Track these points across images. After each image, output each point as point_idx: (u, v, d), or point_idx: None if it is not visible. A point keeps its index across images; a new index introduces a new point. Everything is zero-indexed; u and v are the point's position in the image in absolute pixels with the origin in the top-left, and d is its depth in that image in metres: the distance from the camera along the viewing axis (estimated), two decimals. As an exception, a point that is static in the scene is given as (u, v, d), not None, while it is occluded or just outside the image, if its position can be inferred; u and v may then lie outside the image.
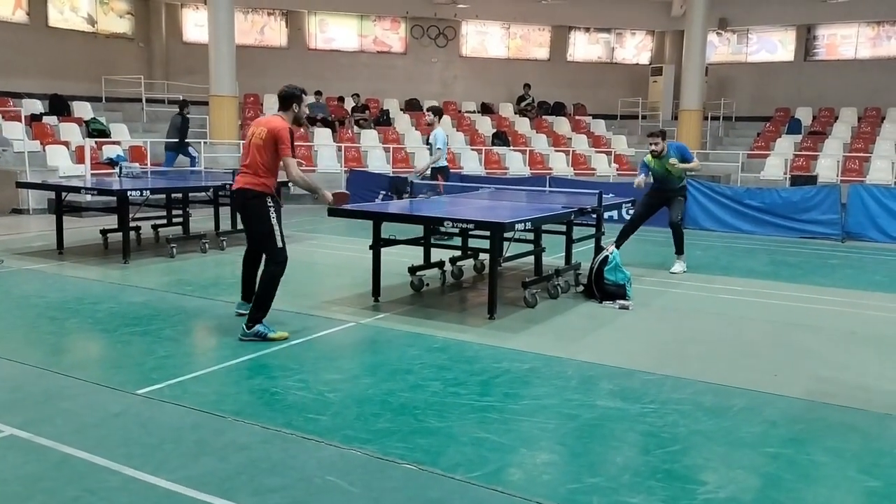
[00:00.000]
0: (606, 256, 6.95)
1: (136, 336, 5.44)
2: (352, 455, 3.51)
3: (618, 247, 8.98)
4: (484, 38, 23.32)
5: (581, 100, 22.98)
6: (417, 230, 7.25)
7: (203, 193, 9.98)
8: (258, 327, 5.29)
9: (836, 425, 4.07)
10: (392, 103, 21.21)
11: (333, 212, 6.27)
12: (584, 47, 23.93)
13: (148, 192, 8.72)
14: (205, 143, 16.35)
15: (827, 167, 17.61)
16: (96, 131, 15.72)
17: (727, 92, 22.54)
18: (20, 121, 14.30)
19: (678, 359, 5.23)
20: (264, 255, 5.45)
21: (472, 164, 17.82)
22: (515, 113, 21.95)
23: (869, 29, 21.44)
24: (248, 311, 5.48)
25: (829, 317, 6.63)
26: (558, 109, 22.52)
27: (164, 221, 9.72)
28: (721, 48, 23.41)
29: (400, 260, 7.42)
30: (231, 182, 7.17)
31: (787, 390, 4.57)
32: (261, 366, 4.85)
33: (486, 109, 22.04)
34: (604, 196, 7.53)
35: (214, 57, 16.68)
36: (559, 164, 18.74)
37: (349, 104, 20.05)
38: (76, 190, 9.16)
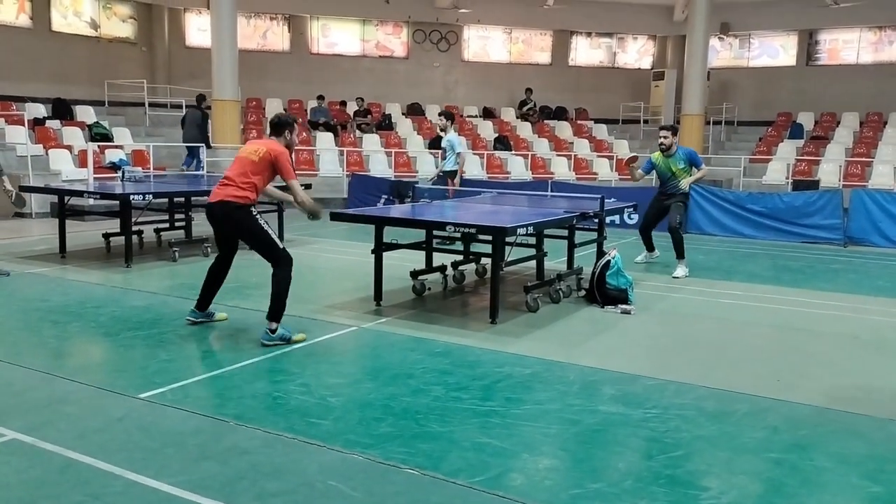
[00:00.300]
0: (608, 261, 6.95)
1: (139, 340, 5.44)
2: (353, 459, 3.51)
3: (650, 250, 9.06)
4: (486, 43, 23.37)
5: (583, 104, 23.00)
6: (419, 234, 7.25)
7: (205, 197, 9.96)
8: (280, 331, 5.33)
9: (839, 431, 4.06)
10: (394, 108, 21.24)
11: (336, 216, 6.28)
12: (586, 52, 23.96)
13: (150, 196, 8.72)
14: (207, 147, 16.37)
15: (829, 172, 17.59)
16: (99, 135, 15.76)
17: (729, 96, 22.57)
18: (23, 125, 14.32)
19: (680, 363, 5.23)
20: (271, 264, 5.44)
21: (473, 168, 17.83)
22: (517, 117, 21.96)
23: (871, 34, 21.46)
24: (199, 320, 5.77)
25: (832, 322, 6.62)
26: (560, 114, 22.54)
27: (167, 225, 9.73)
28: (723, 53, 23.44)
29: (402, 264, 7.43)
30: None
31: (790, 395, 4.56)
32: (263, 370, 4.86)
33: (487, 114, 22.07)
34: (606, 200, 7.53)
35: (217, 61, 16.71)
36: (561, 169, 18.74)
37: (353, 108, 20.08)
38: (79, 194, 9.17)
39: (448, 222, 6.21)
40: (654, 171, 8.98)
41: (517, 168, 18.44)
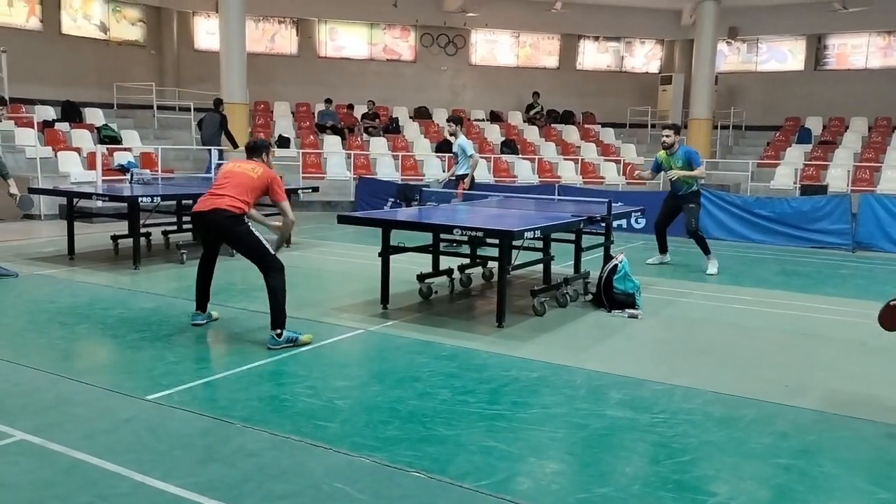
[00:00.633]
0: (615, 265, 6.93)
1: (146, 342, 5.46)
2: (360, 462, 3.51)
3: (663, 252, 9.27)
4: (493, 47, 23.38)
5: (590, 108, 22.99)
6: (426, 238, 7.26)
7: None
8: (287, 334, 5.34)
9: (847, 436, 4.04)
10: (401, 111, 21.26)
11: (343, 219, 6.29)
12: (594, 56, 23.95)
13: (158, 198, 8.76)
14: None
15: (837, 177, 17.54)
16: (108, 138, 15.83)
17: (737, 101, 22.51)
18: (33, 127, 14.41)
19: (688, 368, 5.21)
20: (263, 271, 5.44)
21: (480, 172, 17.80)
22: (524, 121, 21.98)
23: (879, 38, 21.38)
24: (203, 322, 5.89)
25: (840, 327, 6.59)
26: (567, 118, 22.52)
27: (175, 228, 9.76)
28: (731, 57, 23.39)
29: (409, 267, 7.43)
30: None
31: (798, 401, 4.54)
32: (270, 372, 4.86)
33: (495, 118, 22.07)
34: (613, 205, 7.52)
35: (225, 64, 16.79)
36: (568, 173, 18.74)
37: (362, 111, 20.12)
38: (87, 196, 9.22)
39: (455, 225, 6.22)
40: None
41: (524, 172, 18.44)
